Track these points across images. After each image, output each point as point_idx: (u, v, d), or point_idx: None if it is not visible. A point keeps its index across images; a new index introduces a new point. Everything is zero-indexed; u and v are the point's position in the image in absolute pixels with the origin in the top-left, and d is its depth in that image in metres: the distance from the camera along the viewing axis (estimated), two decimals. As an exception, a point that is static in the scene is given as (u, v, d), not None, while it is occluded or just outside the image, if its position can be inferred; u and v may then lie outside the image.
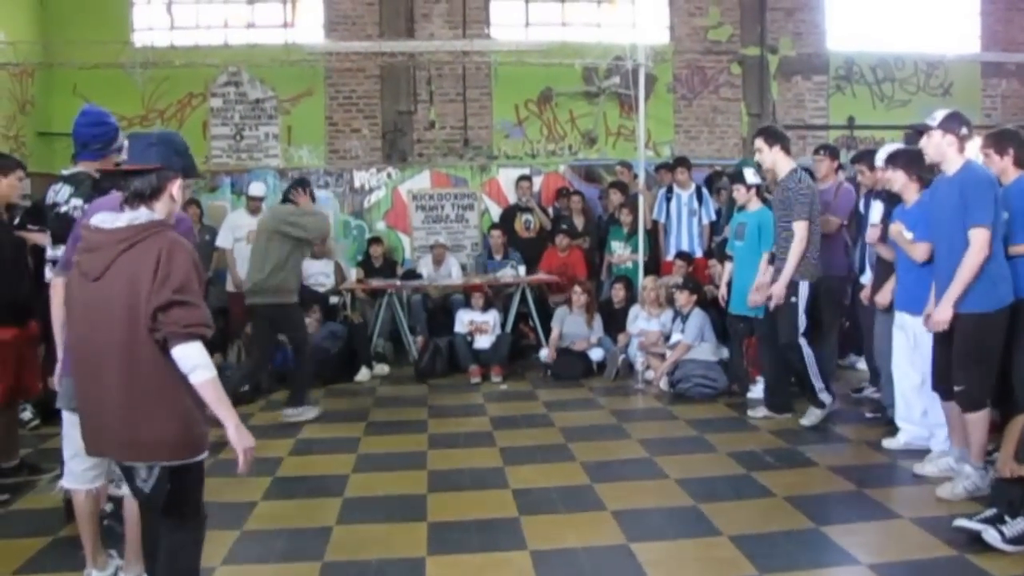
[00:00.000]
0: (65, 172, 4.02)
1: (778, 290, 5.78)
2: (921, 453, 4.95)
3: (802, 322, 5.79)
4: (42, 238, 4.52)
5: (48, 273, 3.78)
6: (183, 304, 2.53)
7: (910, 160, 4.99)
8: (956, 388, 4.38)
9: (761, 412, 6.20)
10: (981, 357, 4.29)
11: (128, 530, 3.34)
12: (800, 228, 5.71)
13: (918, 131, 4.62)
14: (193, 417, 2.65)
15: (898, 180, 5.05)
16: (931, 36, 10.82)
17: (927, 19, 10.84)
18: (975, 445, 4.39)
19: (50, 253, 3.92)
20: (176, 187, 2.74)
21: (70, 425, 3.35)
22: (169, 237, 2.61)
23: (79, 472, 3.43)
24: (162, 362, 2.57)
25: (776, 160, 5.88)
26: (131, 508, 3.29)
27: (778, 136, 5.93)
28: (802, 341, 5.80)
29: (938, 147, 4.41)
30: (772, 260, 6.06)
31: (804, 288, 5.78)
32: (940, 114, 4.45)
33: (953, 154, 4.38)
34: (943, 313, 4.30)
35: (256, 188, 8.89)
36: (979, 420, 4.34)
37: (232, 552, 3.89)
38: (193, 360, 2.55)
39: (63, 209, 3.85)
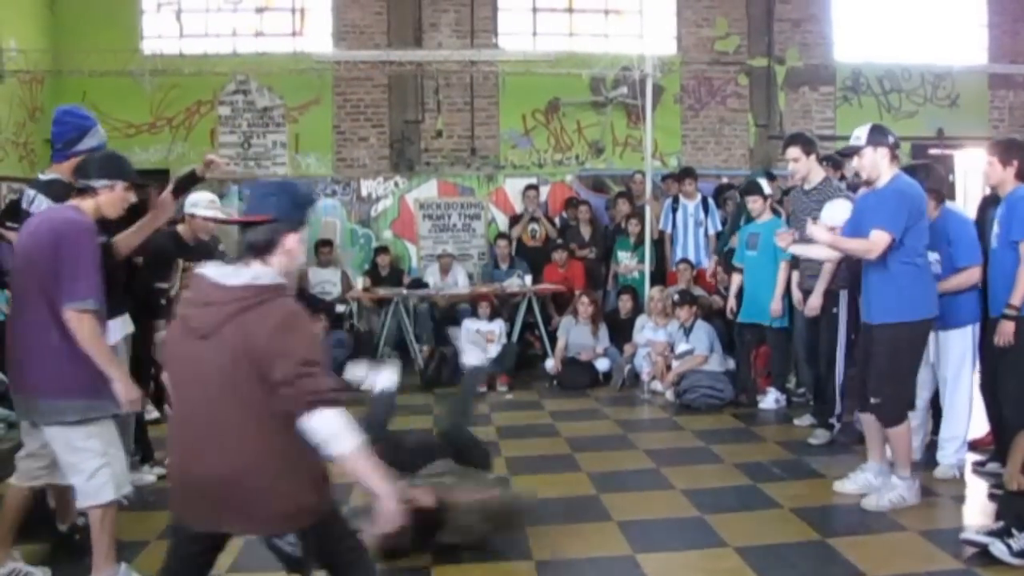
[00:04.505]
0: (43, 177, 3.89)
1: (815, 301, 5.50)
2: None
3: (843, 334, 5.50)
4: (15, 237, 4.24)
5: None
6: (310, 376, 2.40)
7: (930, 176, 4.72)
8: (873, 401, 4.38)
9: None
10: (898, 370, 4.30)
11: (94, 537, 3.44)
12: None
13: (847, 155, 4.63)
14: (310, 483, 2.55)
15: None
16: (938, 47, 10.79)
17: (934, 30, 10.81)
18: (900, 456, 4.41)
19: None
20: (291, 241, 2.60)
21: (27, 429, 3.59)
22: (287, 305, 2.50)
23: (32, 469, 3.59)
24: (272, 428, 2.45)
25: (812, 168, 5.73)
26: (96, 516, 3.43)
27: (812, 144, 5.81)
28: (840, 355, 5.52)
29: (873, 163, 4.38)
30: (798, 265, 5.89)
31: (844, 297, 5.48)
32: (863, 132, 4.39)
33: (887, 166, 4.37)
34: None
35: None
36: (901, 433, 4.37)
37: (238, 560, 3.88)
38: (328, 429, 2.40)
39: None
